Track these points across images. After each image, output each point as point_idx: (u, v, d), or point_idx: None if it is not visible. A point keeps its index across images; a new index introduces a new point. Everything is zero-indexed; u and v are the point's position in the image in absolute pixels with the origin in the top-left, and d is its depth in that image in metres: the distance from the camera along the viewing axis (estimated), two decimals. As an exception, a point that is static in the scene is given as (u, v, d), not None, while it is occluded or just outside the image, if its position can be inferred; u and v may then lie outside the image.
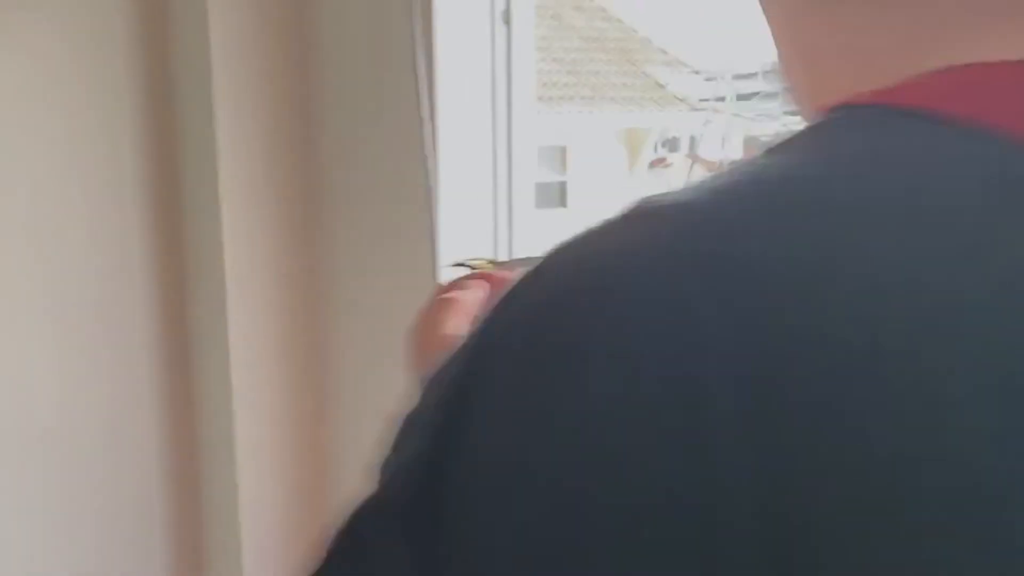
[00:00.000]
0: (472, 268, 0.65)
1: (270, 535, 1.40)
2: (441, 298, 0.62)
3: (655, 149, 6.65)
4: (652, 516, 0.27)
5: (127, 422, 1.39)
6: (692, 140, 7.14)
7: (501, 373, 0.30)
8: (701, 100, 5.54)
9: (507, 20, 1.20)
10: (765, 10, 0.42)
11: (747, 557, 0.26)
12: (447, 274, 0.71)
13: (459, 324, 0.61)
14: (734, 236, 0.30)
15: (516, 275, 0.34)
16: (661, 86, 4.53)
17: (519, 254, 0.71)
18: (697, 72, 5.23)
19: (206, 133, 1.30)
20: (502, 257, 0.70)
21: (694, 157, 7.35)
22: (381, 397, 1.32)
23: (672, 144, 6.98)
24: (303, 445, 1.41)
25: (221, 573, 1.46)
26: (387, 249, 1.28)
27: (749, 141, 7.70)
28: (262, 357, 1.36)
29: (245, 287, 1.34)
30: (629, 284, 0.29)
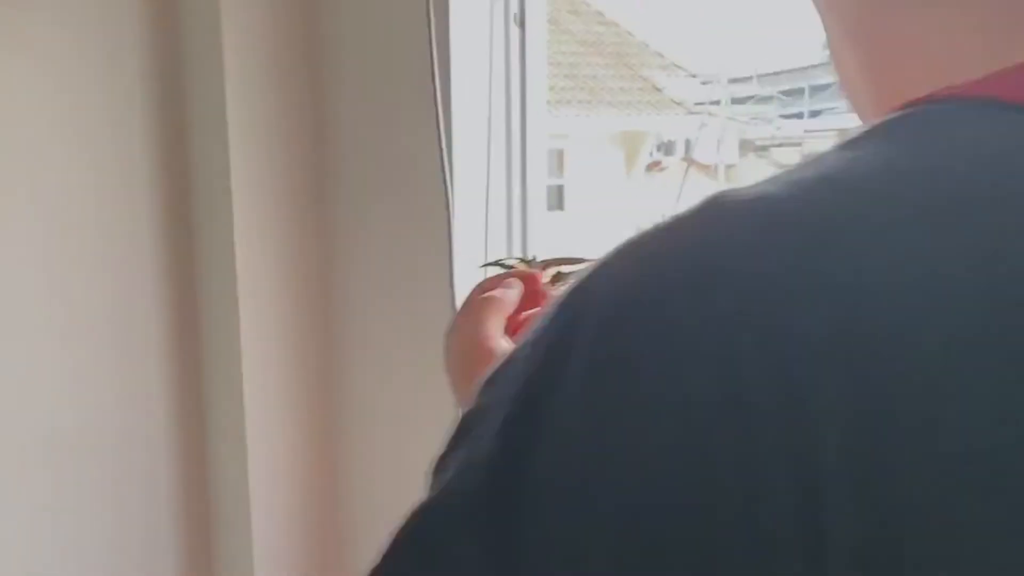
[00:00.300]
0: (506, 267, 0.66)
1: (281, 539, 1.40)
2: (481, 297, 0.62)
3: (651, 153, 6.65)
4: (747, 515, 0.27)
5: (137, 424, 1.39)
6: (687, 144, 7.14)
7: (580, 369, 0.30)
8: (696, 104, 5.55)
9: (521, 23, 1.21)
10: (827, 8, 0.43)
11: (846, 554, 0.26)
12: (479, 275, 0.71)
13: (499, 323, 0.61)
14: (828, 234, 0.30)
15: (582, 271, 0.34)
16: (658, 90, 4.53)
17: (547, 254, 0.71)
18: (694, 76, 5.24)
19: (218, 133, 1.30)
20: (534, 256, 0.70)
21: (689, 160, 7.35)
22: (394, 400, 1.33)
23: (667, 148, 6.99)
24: (315, 448, 1.41)
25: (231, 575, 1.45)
26: (401, 251, 1.28)
27: (744, 145, 7.70)
28: (274, 359, 1.37)
29: (257, 288, 1.34)
30: (725, 280, 0.30)
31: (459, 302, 1.16)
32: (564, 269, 0.65)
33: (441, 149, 1.11)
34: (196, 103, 1.34)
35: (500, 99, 1.19)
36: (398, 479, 1.38)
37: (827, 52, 0.44)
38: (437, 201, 1.15)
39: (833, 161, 0.34)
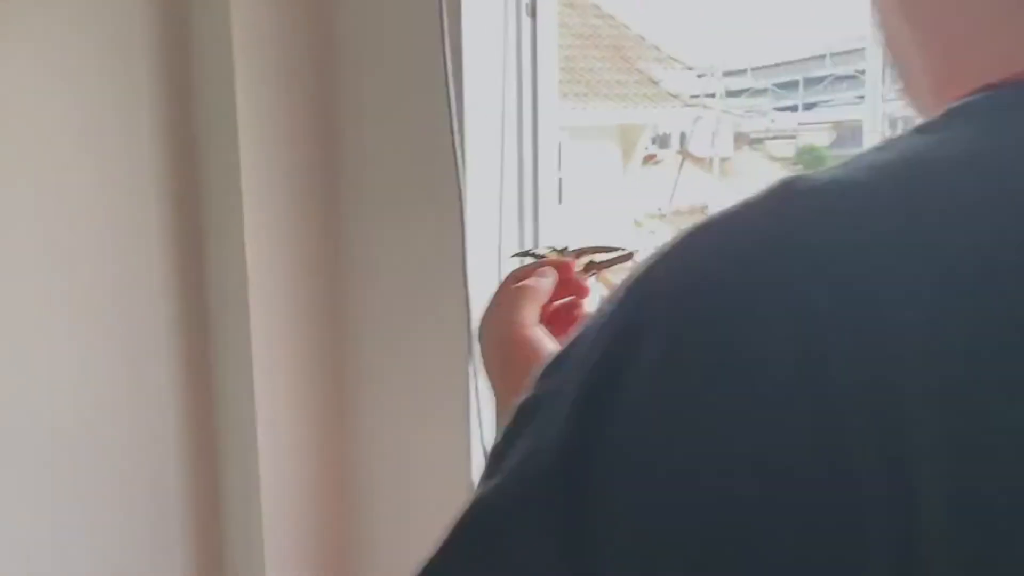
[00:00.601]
0: (537, 257, 0.66)
1: (292, 540, 1.40)
2: (515, 286, 0.62)
3: (646, 146, 6.66)
4: (834, 481, 0.27)
5: (147, 425, 1.39)
6: (682, 136, 7.14)
7: (655, 350, 0.30)
8: (692, 97, 5.55)
9: (532, 12, 1.21)
10: None
11: (937, 532, 0.26)
12: (506, 266, 0.71)
13: (534, 312, 0.61)
14: (910, 216, 0.30)
15: (644, 259, 0.34)
16: (655, 83, 4.53)
17: (577, 243, 0.71)
18: (690, 69, 5.24)
19: (228, 128, 1.29)
20: (566, 246, 0.70)
21: (684, 153, 7.35)
22: (406, 400, 1.32)
23: (663, 141, 6.99)
24: (326, 448, 1.41)
25: (241, 573, 1.45)
26: (414, 247, 1.28)
27: (739, 137, 7.71)
28: (285, 359, 1.36)
29: (268, 286, 1.33)
30: (802, 260, 0.30)
31: (473, 297, 1.16)
32: (597, 257, 0.65)
33: (454, 142, 1.11)
34: (206, 100, 1.33)
35: (512, 91, 1.18)
36: (409, 480, 1.38)
37: (879, 35, 0.44)
38: (450, 195, 1.15)
39: (912, 145, 0.34)
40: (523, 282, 0.64)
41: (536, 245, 1.26)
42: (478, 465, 1.22)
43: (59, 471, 1.32)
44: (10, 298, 1.28)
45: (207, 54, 1.30)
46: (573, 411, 0.31)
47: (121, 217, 1.33)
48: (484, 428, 1.16)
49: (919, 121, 0.37)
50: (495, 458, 0.35)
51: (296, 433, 1.38)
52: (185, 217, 1.36)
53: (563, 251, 0.71)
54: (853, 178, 0.32)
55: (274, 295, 1.34)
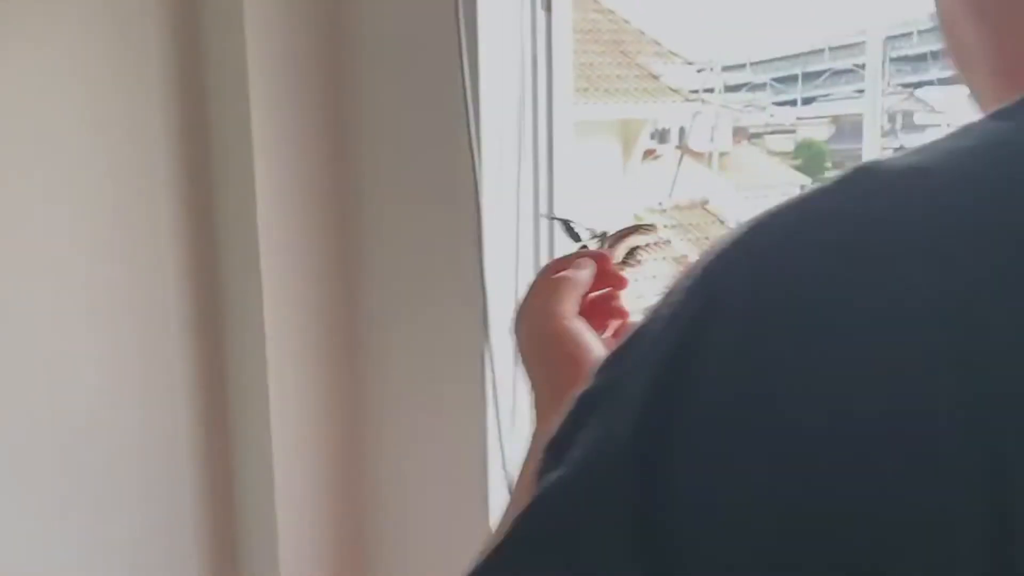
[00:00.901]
0: (569, 229, 0.65)
1: (307, 539, 1.40)
2: (553, 277, 0.62)
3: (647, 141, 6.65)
4: (925, 485, 0.27)
5: (161, 420, 1.38)
6: (681, 131, 7.14)
7: (732, 334, 0.30)
8: (692, 92, 5.56)
9: (547, 7, 1.21)
10: None
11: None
12: (533, 234, 0.70)
13: (573, 303, 0.61)
14: (999, 200, 0.30)
15: (717, 244, 0.33)
16: (655, 77, 4.53)
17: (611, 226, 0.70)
18: (691, 63, 5.23)
19: (241, 127, 1.29)
20: (604, 231, 0.69)
21: (683, 148, 7.35)
22: (419, 391, 1.32)
23: (661, 136, 6.98)
24: (342, 447, 1.41)
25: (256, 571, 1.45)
26: (429, 238, 1.27)
27: (737, 132, 7.71)
28: (299, 357, 1.36)
29: (280, 280, 1.33)
30: (882, 243, 0.30)
31: (490, 294, 1.16)
32: (634, 241, 0.65)
33: (470, 137, 1.10)
34: (218, 93, 1.32)
35: (528, 85, 1.18)
36: (425, 473, 1.38)
37: (936, 22, 0.43)
38: (466, 189, 1.15)
39: (991, 130, 0.33)
40: (561, 273, 0.64)
41: (551, 241, 1.26)
42: (494, 458, 1.22)
43: (72, 467, 1.32)
44: (23, 295, 1.28)
45: (219, 47, 1.30)
46: (645, 400, 0.31)
47: (133, 213, 1.33)
48: (501, 421, 1.16)
49: (972, 108, 0.37)
50: (555, 450, 0.35)
51: (310, 428, 1.38)
52: (198, 213, 1.36)
53: (602, 235, 0.70)
54: (934, 162, 0.32)
55: (288, 289, 1.33)
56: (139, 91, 1.30)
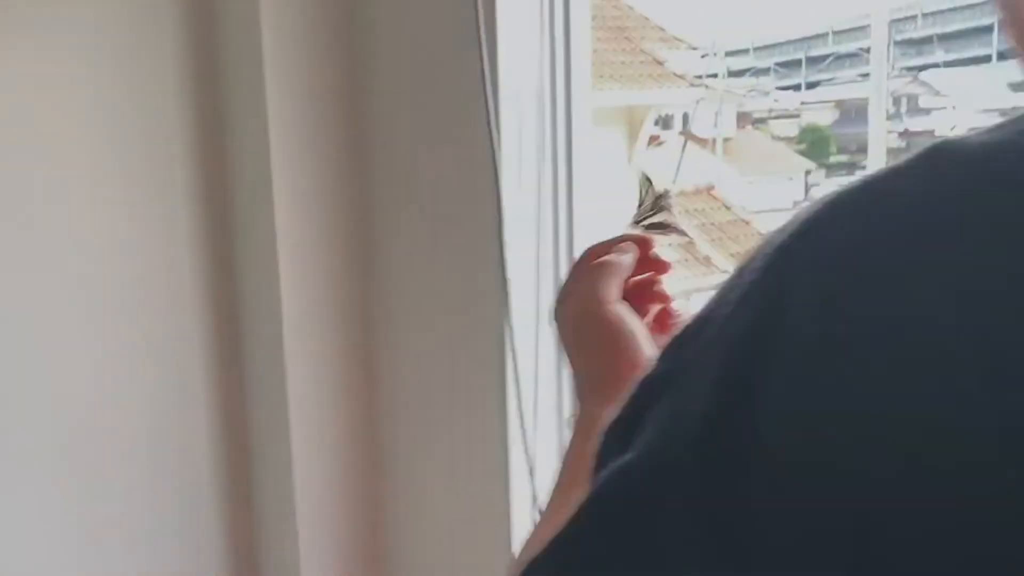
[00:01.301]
0: (649, 183, 0.64)
1: (326, 537, 1.40)
2: (597, 262, 0.61)
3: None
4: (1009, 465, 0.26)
5: (178, 421, 1.38)
6: (685, 117, 7.12)
7: (808, 320, 0.30)
8: (696, 77, 5.55)
9: (566, -3, 1.19)
10: None
11: None
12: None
13: (617, 288, 0.60)
14: None
15: (787, 224, 0.33)
16: (660, 63, 4.51)
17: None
18: (695, 48, 5.22)
19: (258, 120, 1.28)
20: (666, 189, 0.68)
21: (687, 134, 7.34)
22: (439, 389, 1.32)
23: (665, 122, 6.97)
24: (359, 443, 1.40)
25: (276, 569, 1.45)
26: (449, 234, 1.27)
27: (741, 117, 7.69)
28: (315, 349, 1.36)
29: (299, 277, 1.33)
30: (956, 224, 0.29)
31: (512, 289, 1.15)
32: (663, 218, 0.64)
33: (490, 128, 1.10)
34: (235, 92, 1.32)
35: (547, 77, 1.18)
36: (445, 474, 1.38)
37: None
38: (488, 189, 1.14)
39: None
40: (604, 258, 0.63)
41: (571, 234, 1.25)
42: (516, 457, 1.23)
43: (90, 468, 1.32)
44: (39, 295, 1.28)
45: (235, 42, 1.29)
46: (723, 378, 0.31)
47: (151, 213, 1.32)
48: (524, 416, 1.16)
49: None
50: (620, 432, 0.35)
51: (329, 425, 1.38)
52: (215, 212, 1.35)
53: (662, 195, 0.69)
54: (1007, 141, 0.32)
55: (306, 286, 1.33)
56: (155, 92, 1.30)
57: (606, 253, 0.65)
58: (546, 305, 1.24)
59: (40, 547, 1.30)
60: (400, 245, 1.35)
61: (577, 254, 1.27)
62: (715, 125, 7.26)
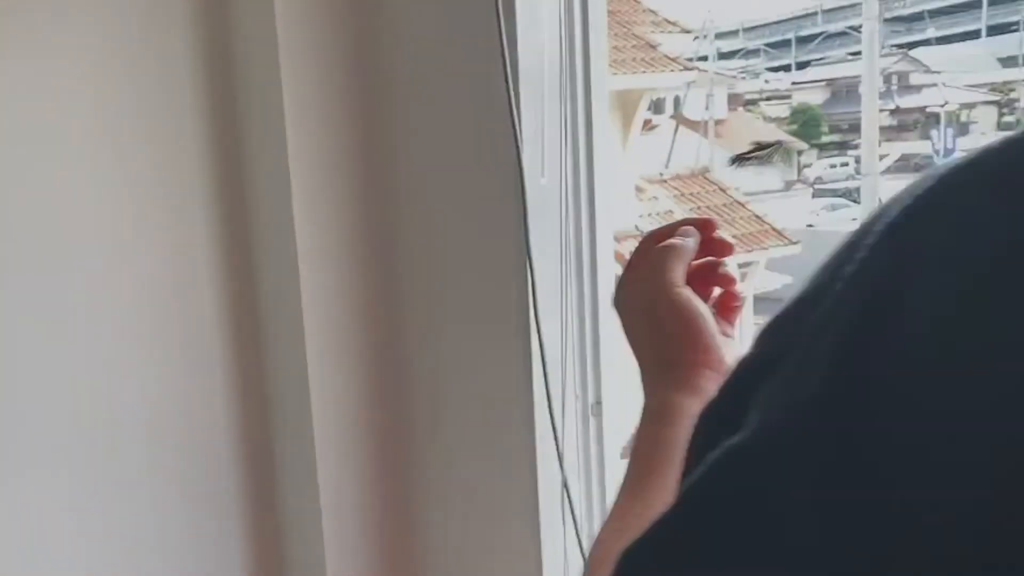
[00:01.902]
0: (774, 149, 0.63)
1: (352, 534, 1.39)
2: (662, 246, 0.61)
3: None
4: None
5: (201, 420, 1.38)
6: (676, 100, 7.11)
7: (930, 297, 0.30)
8: (689, 60, 5.53)
9: (582, -16, 1.19)
10: None
11: None
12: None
13: (682, 272, 0.59)
14: None
15: (896, 198, 0.33)
16: (653, 47, 4.49)
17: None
18: (687, 32, 5.20)
19: (275, 119, 1.28)
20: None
21: (679, 117, 7.32)
22: (463, 388, 1.32)
23: (657, 106, 6.96)
24: (386, 446, 1.40)
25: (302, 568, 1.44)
26: (471, 229, 1.27)
27: (733, 99, 7.70)
28: (338, 356, 1.35)
29: (318, 275, 1.32)
30: None
31: (537, 283, 1.15)
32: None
33: (512, 113, 1.10)
34: (251, 88, 1.31)
35: (565, 61, 1.17)
36: (470, 478, 1.37)
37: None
38: (511, 181, 1.14)
39: None
40: (669, 241, 0.62)
41: (593, 228, 1.25)
42: (544, 448, 1.23)
43: (112, 465, 1.32)
44: (58, 293, 1.27)
45: (250, 36, 1.28)
46: (837, 358, 0.31)
47: (168, 215, 1.32)
48: (555, 414, 1.16)
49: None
50: (722, 416, 0.35)
51: (353, 428, 1.37)
52: (233, 210, 1.34)
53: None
54: None
55: (326, 284, 1.33)
56: (170, 92, 1.29)
57: (668, 237, 0.64)
58: (569, 297, 1.24)
59: (59, 550, 1.29)
60: (422, 240, 1.34)
61: (600, 243, 1.27)
62: (707, 108, 7.25)
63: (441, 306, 1.33)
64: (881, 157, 6.15)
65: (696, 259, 0.61)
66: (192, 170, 1.32)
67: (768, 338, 0.35)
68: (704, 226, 0.62)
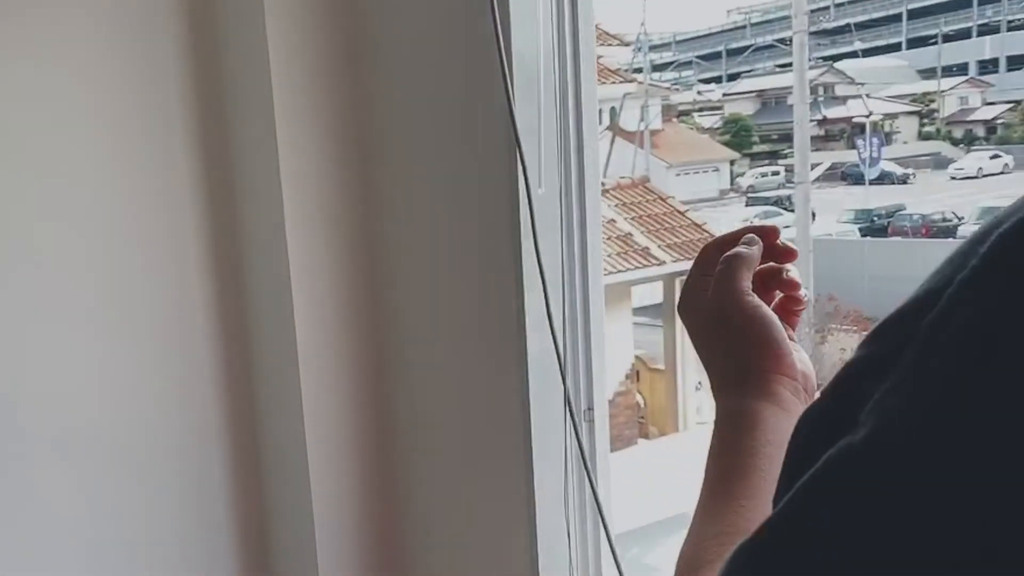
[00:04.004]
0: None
1: (343, 539, 1.37)
2: (729, 254, 0.61)
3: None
4: None
5: (191, 423, 1.35)
6: (612, 112, 7.22)
7: None
8: (625, 71, 5.63)
9: (571, -5, 1.20)
10: None
11: None
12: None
13: (749, 279, 0.60)
14: None
15: (1013, 208, 0.34)
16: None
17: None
18: (627, 44, 5.30)
19: (264, 109, 1.25)
20: None
21: (615, 128, 7.43)
22: (453, 390, 1.31)
23: (593, 117, 7.05)
24: (375, 449, 1.38)
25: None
26: (462, 234, 1.26)
27: (667, 110, 7.85)
28: (329, 358, 1.33)
29: (309, 276, 1.30)
30: None
31: (527, 287, 1.15)
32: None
33: (510, 114, 1.09)
34: (239, 82, 1.28)
35: (556, 71, 1.18)
36: (460, 482, 1.36)
37: None
38: (505, 183, 1.14)
39: None
40: (735, 250, 0.62)
41: (583, 235, 1.25)
42: (537, 459, 1.22)
43: (100, 462, 1.28)
44: (47, 299, 1.23)
45: (241, 37, 1.26)
46: (953, 365, 0.32)
47: (162, 211, 1.28)
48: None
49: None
50: (829, 417, 0.35)
51: (344, 429, 1.35)
52: (223, 214, 1.31)
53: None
54: None
55: (316, 287, 1.31)
56: (158, 87, 1.26)
57: (732, 245, 0.64)
58: (563, 306, 1.24)
59: (44, 547, 1.25)
60: (415, 246, 1.33)
61: (591, 250, 1.27)
62: (642, 119, 7.38)
63: (435, 313, 1.32)
64: (813, 166, 6.34)
65: (760, 265, 0.62)
66: (183, 172, 1.29)
67: (877, 340, 0.36)
68: (767, 234, 0.63)
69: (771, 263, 0.63)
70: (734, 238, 0.63)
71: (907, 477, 0.32)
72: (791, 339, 0.61)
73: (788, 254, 0.63)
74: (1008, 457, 0.30)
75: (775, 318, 0.58)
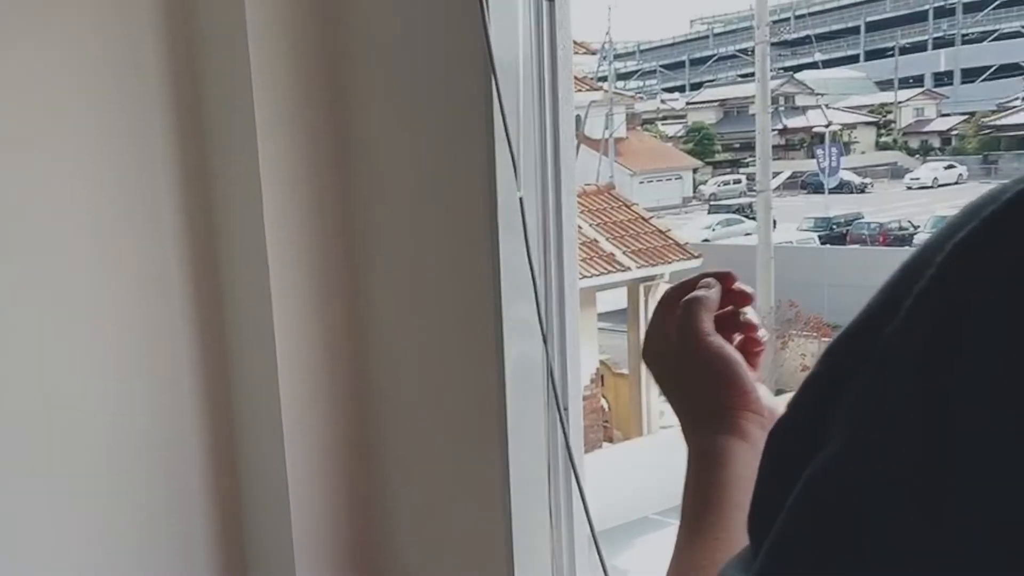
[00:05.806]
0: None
1: (319, 540, 1.38)
2: (689, 298, 0.63)
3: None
4: None
5: (168, 426, 1.34)
6: (577, 120, 7.28)
7: (1003, 302, 0.32)
8: (589, 79, 5.67)
9: None
10: None
11: None
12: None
13: (711, 322, 0.62)
14: None
15: (962, 221, 0.36)
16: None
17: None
18: (593, 53, 5.35)
19: (244, 111, 1.25)
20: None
21: (580, 136, 7.48)
22: (429, 393, 1.32)
23: (558, 124, 7.08)
24: (351, 450, 1.39)
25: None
26: (439, 237, 1.27)
27: (631, 119, 7.92)
28: (308, 362, 1.33)
29: (287, 276, 1.30)
30: None
31: (505, 296, 1.16)
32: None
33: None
34: (218, 83, 1.28)
35: (536, 80, 1.20)
36: (439, 483, 1.37)
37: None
38: (481, 188, 1.15)
39: None
40: (694, 293, 0.65)
41: (559, 245, 1.27)
42: (514, 461, 1.24)
43: (73, 472, 1.27)
44: (33, 302, 1.22)
45: (217, 23, 1.26)
46: (916, 376, 0.34)
47: (140, 214, 1.28)
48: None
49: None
50: (798, 434, 0.37)
51: (321, 431, 1.36)
52: (202, 216, 1.31)
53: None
54: None
55: (296, 287, 1.31)
56: (137, 85, 1.25)
57: (690, 290, 0.66)
58: (540, 309, 1.25)
59: (22, 553, 1.23)
60: (391, 246, 1.34)
61: (567, 252, 1.29)
62: (606, 127, 7.44)
63: (414, 314, 1.33)
64: (774, 175, 6.42)
65: (723, 307, 0.64)
66: (160, 170, 1.28)
67: (836, 355, 0.37)
68: (724, 279, 0.65)
69: (730, 306, 0.65)
70: (692, 283, 0.65)
71: (886, 486, 0.34)
72: (754, 377, 0.63)
73: (745, 297, 0.65)
74: (979, 461, 0.32)
75: (739, 356, 0.60)
